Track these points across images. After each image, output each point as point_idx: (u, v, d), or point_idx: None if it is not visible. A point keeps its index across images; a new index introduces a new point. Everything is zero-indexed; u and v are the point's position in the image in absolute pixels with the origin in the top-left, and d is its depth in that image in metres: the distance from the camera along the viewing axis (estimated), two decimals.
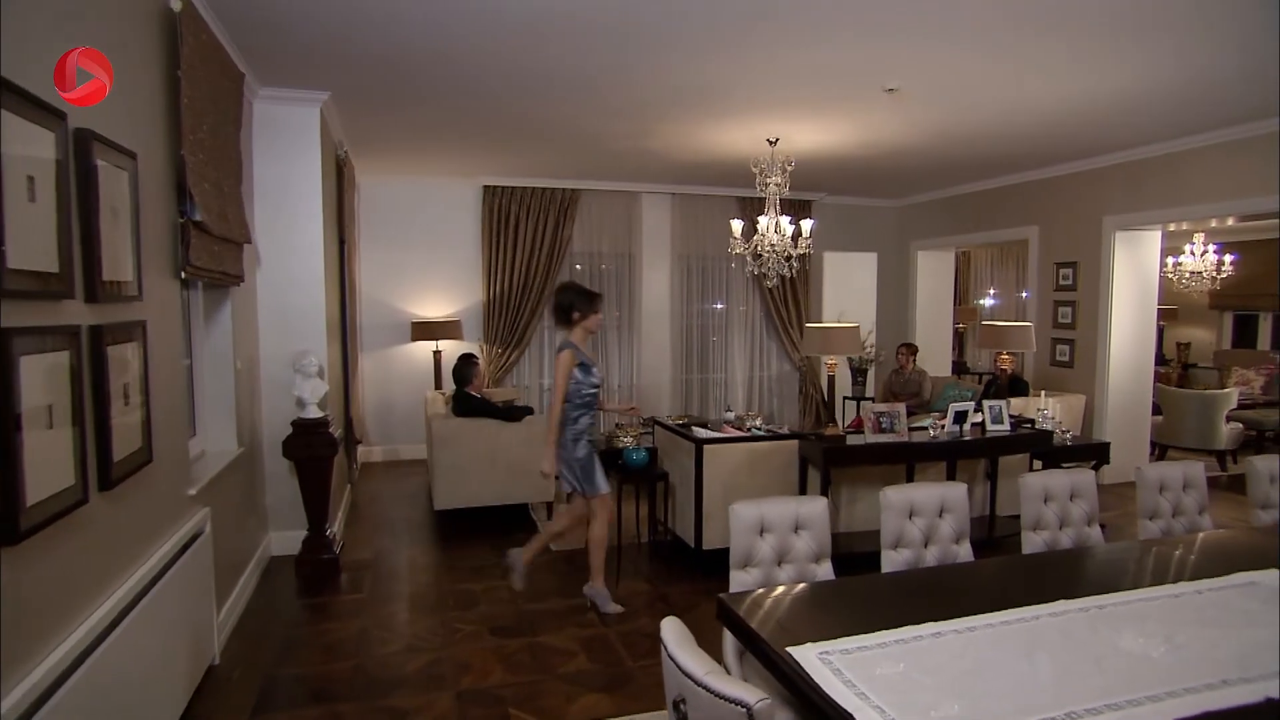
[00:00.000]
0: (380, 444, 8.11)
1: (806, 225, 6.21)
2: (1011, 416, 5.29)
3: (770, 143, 6.11)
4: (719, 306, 9.10)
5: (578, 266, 8.54)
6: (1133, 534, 3.91)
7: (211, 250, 3.46)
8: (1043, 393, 5.78)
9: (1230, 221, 7.83)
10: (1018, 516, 5.08)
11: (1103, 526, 5.56)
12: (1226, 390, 7.54)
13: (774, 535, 2.67)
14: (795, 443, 4.76)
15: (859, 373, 8.75)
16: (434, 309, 8.15)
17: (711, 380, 9.11)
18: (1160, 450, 7.78)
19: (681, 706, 1.49)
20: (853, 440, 4.61)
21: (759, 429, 5.25)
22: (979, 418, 4.92)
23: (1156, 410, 7.71)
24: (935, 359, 9.27)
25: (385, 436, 8.12)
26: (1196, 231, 9.07)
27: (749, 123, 5.67)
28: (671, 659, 1.51)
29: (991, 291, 11.42)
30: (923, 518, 2.88)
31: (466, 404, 5.79)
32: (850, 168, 7.40)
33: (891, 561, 2.83)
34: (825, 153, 6.66)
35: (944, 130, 5.82)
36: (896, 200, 9.58)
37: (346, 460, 6.39)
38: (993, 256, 11.35)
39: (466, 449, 5.55)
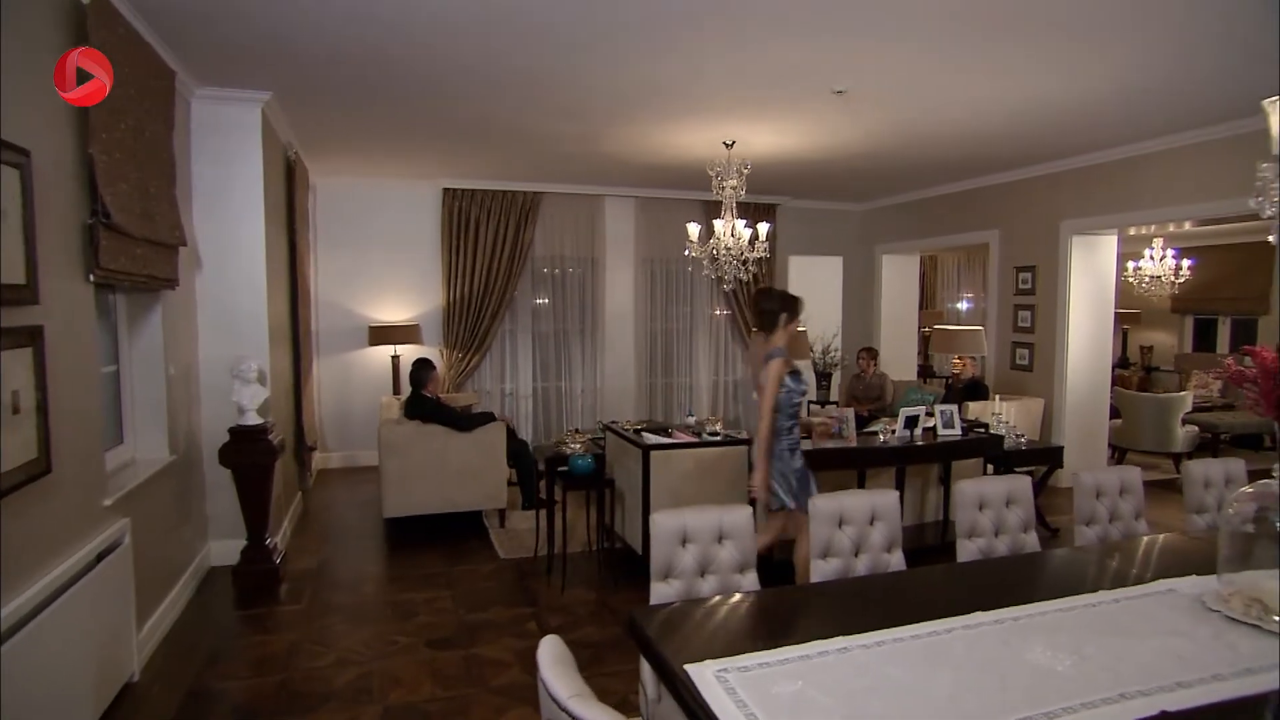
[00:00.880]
0: (338, 450, 7.98)
1: (763, 229, 6.17)
2: (965, 421, 5.29)
3: (726, 145, 6.08)
4: (684, 310, 9.05)
5: (555, 270, 8.48)
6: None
7: (132, 253, 3.35)
8: (997, 397, 5.78)
9: (1187, 225, 7.89)
10: None
11: (1055, 531, 5.60)
12: (1181, 394, 7.59)
13: (697, 545, 2.61)
14: (746, 448, 4.71)
15: (823, 376, 8.75)
16: (393, 313, 8.04)
17: (676, 385, 9.06)
18: (1119, 453, 7.82)
19: None
20: (803, 446, 4.56)
21: (718, 434, 5.20)
22: (931, 422, 4.90)
23: (1116, 413, 7.77)
24: (900, 363, 9.28)
25: (343, 443, 7.99)
26: (1156, 236, 9.15)
27: (704, 125, 5.63)
28: (542, 680, 1.45)
29: (969, 296, 11.43)
30: (853, 526, 2.83)
31: (421, 407, 5.70)
32: (812, 171, 7.38)
33: (820, 571, 2.78)
34: (784, 156, 6.64)
35: (898, 133, 5.81)
36: (861, 204, 9.59)
37: (297, 467, 6.28)
38: (959, 260, 11.40)
39: (416, 456, 5.45)
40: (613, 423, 6.73)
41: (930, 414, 4.90)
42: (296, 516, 5.98)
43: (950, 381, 6.96)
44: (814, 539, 2.80)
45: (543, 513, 5.02)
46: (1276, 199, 2.00)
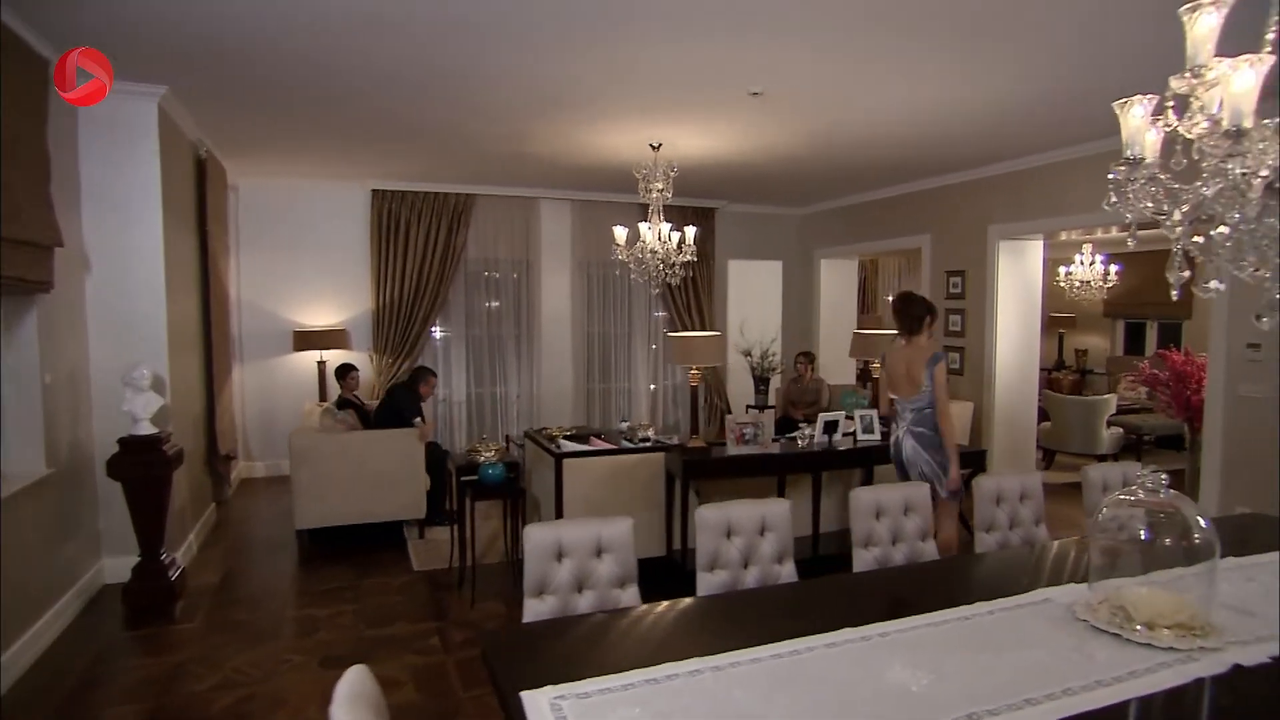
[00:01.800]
0: (263, 459, 7.72)
1: (690, 232, 6.10)
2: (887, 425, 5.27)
3: (653, 147, 6.00)
4: (622, 315, 8.96)
5: (489, 274, 8.32)
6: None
7: None
8: None
9: (1114, 231, 8.03)
10: None
11: (972, 532, 5.61)
12: (1105, 396, 7.72)
13: (573, 560, 2.51)
14: (663, 455, 4.63)
15: (761, 381, 8.71)
16: (320, 317, 7.81)
17: (615, 390, 8.96)
18: (1049, 455, 7.92)
19: None
20: (720, 452, 4.50)
21: (650, 439, 5.13)
22: (851, 427, 4.87)
23: (1047, 416, 7.86)
24: (840, 366, 9.29)
25: (267, 451, 7.73)
26: (1085, 241, 9.31)
27: (628, 126, 5.55)
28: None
29: None
30: (741, 537, 2.76)
31: (341, 409, 5.56)
32: (745, 175, 7.35)
33: (707, 584, 2.70)
34: (713, 159, 6.59)
35: (822, 137, 5.79)
36: (800, 208, 9.60)
37: (211, 477, 6.04)
38: (900, 264, 11.49)
39: (329, 464, 5.27)
40: (543, 429, 6.63)
41: (850, 419, 4.87)
42: (208, 529, 5.75)
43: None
44: (700, 550, 2.71)
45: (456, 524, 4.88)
46: (1133, 201, 1.96)
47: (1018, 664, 1.86)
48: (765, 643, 1.98)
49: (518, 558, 4.75)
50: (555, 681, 1.76)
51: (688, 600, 2.49)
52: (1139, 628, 1.99)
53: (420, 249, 7.87)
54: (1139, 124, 1.85)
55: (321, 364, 7.59)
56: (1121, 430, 7.67)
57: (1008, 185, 6.72)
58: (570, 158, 6.56)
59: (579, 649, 2.06)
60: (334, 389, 7.64)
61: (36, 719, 3.12)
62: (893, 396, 4.27)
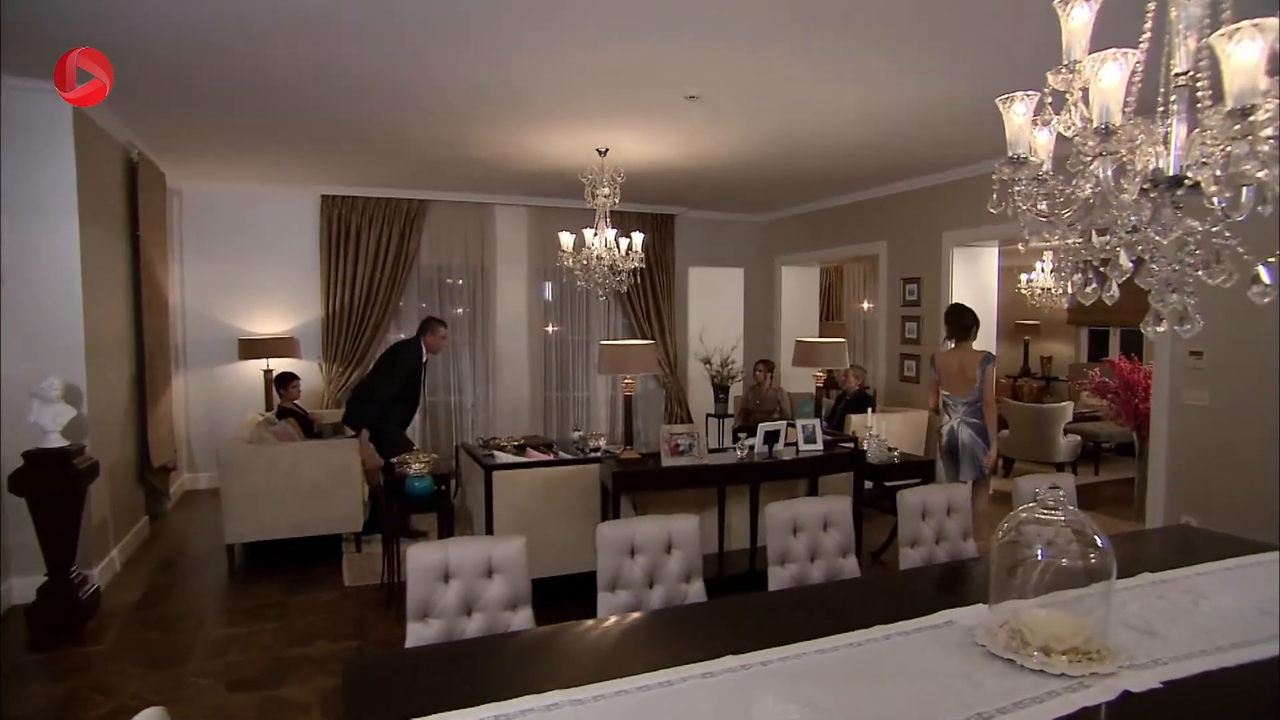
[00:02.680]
0: (207, 470, 7.51)
1: (637, 239, 6.00)
2: (834, 435, 5.19)
3: (600, 152, 5.90)
4: (580, 323, 8.83)
5: (444, 281, 8.18)
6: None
7: None
8: (870, 409, 5.70)
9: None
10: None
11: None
12: (1062, 404, 7.68)
13: (460, 581, 2.38)
14: (598, 467, 4.51)
15: (720, 389, 8.63)
16: (268, 325, 7.63)
17: (573, 399, 8.83)
18: (1008, 463, 7.86)
19: None
20: (655, 464, 4.38)
21: (600, 450, 5.01)
22: (794, 437, 4.76)
23: (1006, 424, 7.81)
24: (802, 374, 9.20)
25: (213, 462, 7.49)
26: (1046, 249, 9.29)
27: (573, 131, 5.44)
28: None
29: (873, 307, 11.48)
30: (645, 555, 2.64)
31: (281, 417, 5.41)
32: (702, 181, 7.26)
33: (607, 605, 2.58)
34: (665, 165, 6.50)
35: (768, 142, 5.71)
36: (761, 215, 9.53)
37: (143, 490, 5.85)
38: (864, 272, 11.45)
39: (260, 476, 5.11)
40: (492, 439, 6.49)
41: (793, 427, 4.77)
42: (139, 543, 5.56)
43: (843, 393, 6.90)
44: (600, 570, 2.59)
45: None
46: (1023, 204, 1.88)
47: (899, 695, 1.75)
48: (640, 671, 1.87)
49: None
50: (403, 718, 1.64)
51: (588, 623, 2.37)
52: (1035, 653, 1.90)
53: (371, 255, 7.72)
54: (1022, 122, 1.76)
55: (268, 373, 7.41)
56: (1079, 438, 7.63)
57: (961, 192, 6.67)
58: (519, 162, 6.45)
59: (439, 679, 1.93)
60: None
61: None
62: (945, 393, 5.04)
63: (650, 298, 8.80)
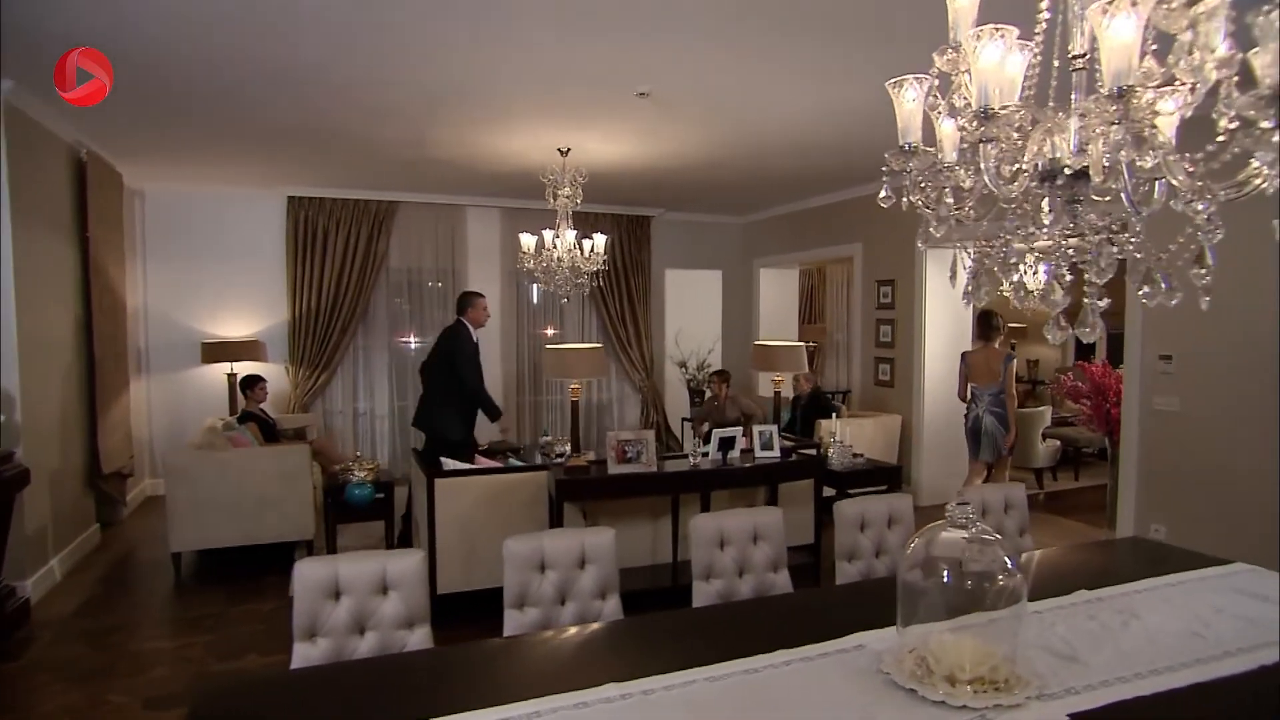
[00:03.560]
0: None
1: (600, 240, 5.87)
2: (796, 441, 5.07)
3: (562, 153, 5.78)
4: (554, 325, 8.70)
5: (414, 283, 8.05)
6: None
7: None
8: (834, 415, 5.57)
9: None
10: (803, 547, 4.84)
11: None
12: (1041, 408, 7.55)
13: (351, 598, 2.25)
14: (545, 474, 4.38)
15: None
16: (234, 328, 7.51)
17: (546, 403, 8.70)
18: (988, 469, 7.71)
19: None
20: (601, 471, 4.25)
21: (564, 455, 4.89)
22: (748, 444, 4.64)
23: None
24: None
25: None
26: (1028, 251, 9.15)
27: (531, 130, 5.32)
28: None
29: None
30: (557, 571, 2.51)
31: (243, 421, 5.32)
32: (674, 181, 7.13)
33: (514, 623, 2.45)
34: (629, 165, 6.38)
35: (729, 142, 5.58)
36: (739, 217, 9.40)
37: (93, 497, 5.72)
38: (846, 274, 11.31)
39: (207, 483, 4.97)
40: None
41: (748, 435, 4.64)
42: (85, 552, 5.42)
43: (798, 397, 6.76)
44: (507, 587, 2.46)
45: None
46: (918, 199, 1.75)
47: None
48: (514, 700, 1.74)
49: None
50: None
51: (487, 643, 2.25)
52: (939, 682, 1.76)
53: (339, 257, 7.59)
54: (913, 108, 1.63)
55: (232, 376, 7.28)
56: (1058, 443, 7.49)
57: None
58: (484, 163, 6.32)
59: (284, 707, 1.81)
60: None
61: None
62: (973, 385, 5.86)
63: (626, 300, 8.68)
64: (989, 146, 1.38)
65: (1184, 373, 4.71)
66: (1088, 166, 1.48)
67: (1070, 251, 1.56)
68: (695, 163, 6.28)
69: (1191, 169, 1.39)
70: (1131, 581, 2.51)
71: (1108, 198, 1.36)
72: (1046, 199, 1.59)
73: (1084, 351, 11.09)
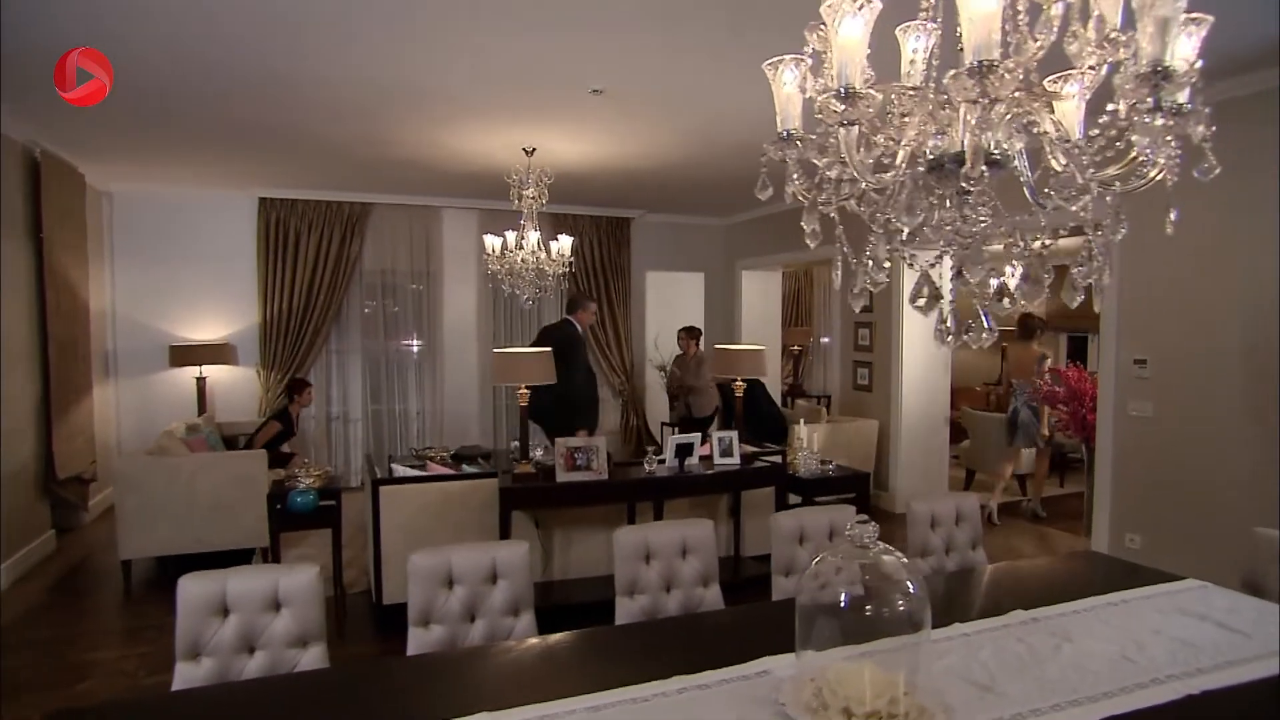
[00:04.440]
0: None
1: (566, 242, 5.76)
2: (758, 448, 4.94)
3: (527, 152, 5.67)
4: (531, 328, 8.55)
5: (389, 286, 7.95)
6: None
7: None
8: (801, 420, 5.43)
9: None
10: (764, 557, 4.71)
11: None
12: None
13: (238, 616, 2.14)
14: (495, 480, 4.26)
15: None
16: (204, 331, 7.41)
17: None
18: (969, 475, 7.58)
19: None
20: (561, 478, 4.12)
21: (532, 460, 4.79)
22: (707, 450, 4.51)
23: (966, 434, 7.53)
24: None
25: None
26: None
27: (493, 130, 5.21)
28: None
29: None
30: (465, 586, 2.39)
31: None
32: (648, 182, 7.00)
33: (419, 641, 2.32)
34: (600, 165, 6.26)
35: (694, 141, 5.45)
36: (722, 219, 9.28)
37: (48, 503, 5.62)
38: (831, 276, 11.17)
39: (158, 490, 4.86)
40: (427, 448, 6.26)
41: (706, 441, 4.51)
42: (37, 560, 5.31)
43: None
44: (411, 603, 2.34)
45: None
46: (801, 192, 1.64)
47: None
48: None
49: (338, 593, 4.38)
50: None
51: (394, 660, 2.14)
52: (835, 715, 1.63)
53: (311, 259, 7.49)
54: (791, 91, 1.50)
55: (201, 380, 7.19)
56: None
57: None
58: (451, 163, 6.21)
59: None
60: (223, 405, 7.31)
61: None
62: (1014, 380, 6.61)
63: (605, 303, 8.55)
64: (849, 131, 1.25)
65: (1159, 377, 4.57)
66: (924, 147, 1.37)
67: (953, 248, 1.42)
68: (667, 163, 6.16)
69: (1084, 160, 1.27)
70: (1074, 600, 2.37)
71: (977, 187, 1.24)
72: (939, 190, 1.47)
73: (1078, 354, 10.94)
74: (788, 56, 1.44)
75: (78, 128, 5.13)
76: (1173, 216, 1.28)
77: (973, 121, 1.11)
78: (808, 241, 1.64)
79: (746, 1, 3.17)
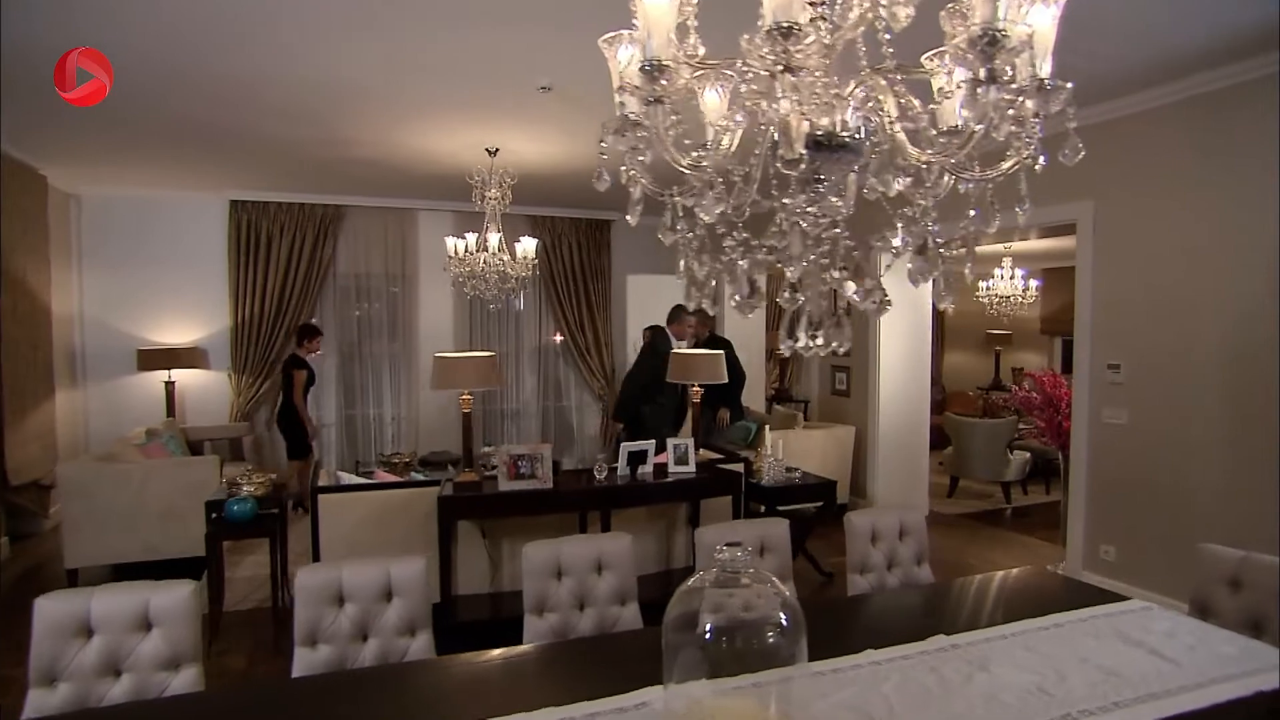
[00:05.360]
0: None
1: (530, 244, 5.63)
2: (721, 453, 4.79)
3: (490, 153, 5.55)
4: (509, 332, 8.45)
5: (363, 289, 7.85)
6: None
7: None
8: (767, 427, 5.28)
9: (1033, 239, 7.59)
10: None
11: (829, 575, 5.08)
12: (1008, 419, 7.22)
13: (103, 637, 2.02)
14: (436, 488, 4.13)
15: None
16: (174, 335, 7.31)
17: (502, 412, 8.45)
18: (954, 482, 7.41)
19: None
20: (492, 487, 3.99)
21: (490, 466, 4.66)
22: (663, 458, 4.37)
23: (949, 440, 7.37)
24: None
25: None
26: (1004, 255, 8.85)
27: (450, 130, 5.11)
28: None
29: None
30: (355, 604, 2.26)
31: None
32: (616, 183, 6.86)
33: (306, 663, 2.19)
34: (569, 166, 6.14)
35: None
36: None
37: (2, 510, 5.52)
38: None
39: (105, 497, 4.77)
40: (394, 454, 6.15)
41: (662, 449, 4.37)
42: None
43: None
44: (298, 622, 2.21)
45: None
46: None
47: None
48: None
49: (280, 603, 4.25)
50: None
51: (262, 685, 2.00)
52: None
53: (283, 262, 7.39)
54: (627, 69, 1.37)
55: (170, 384, 7.10)
56: (1028, 455, 7.16)
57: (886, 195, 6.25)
58: (417, 165, 6.11)
59: None
60: (194, 409, 7.23)
61: None
62: None
63: (584, 307, 8.43)
64: (659, 108, 1.12)
65: (1133, 383, 4.40)
66: (830, 136, 1.24)
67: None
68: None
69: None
70: (1003, 624, 2.22)
71: (794, 171, 1.10)
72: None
73: (1072, 358, 10.75)
74: (624, 32, 1.31)
75: (37, 130, 5.04)
76: (1024, 208, 1.14)
77: (780, 95, 0.97)
78: (660, 235, 1.50)
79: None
